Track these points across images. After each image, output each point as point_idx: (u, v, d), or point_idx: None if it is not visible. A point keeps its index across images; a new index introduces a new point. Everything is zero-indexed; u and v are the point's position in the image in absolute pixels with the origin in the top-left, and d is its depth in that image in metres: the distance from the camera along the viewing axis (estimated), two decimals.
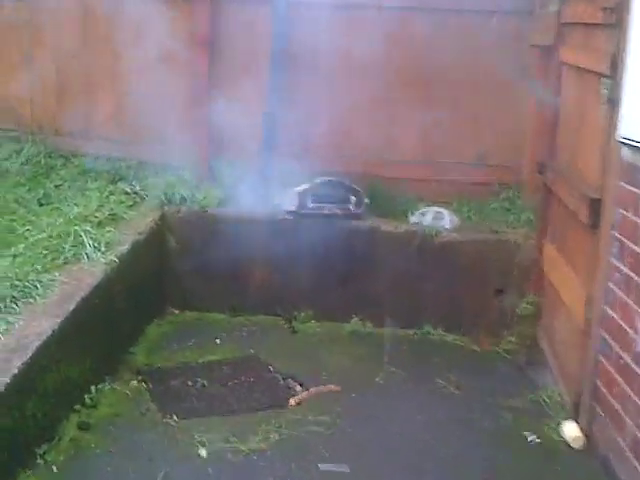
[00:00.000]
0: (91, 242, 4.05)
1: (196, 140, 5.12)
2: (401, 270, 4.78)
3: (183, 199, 4.89)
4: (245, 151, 5.08)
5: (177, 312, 4.90)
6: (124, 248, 4.20)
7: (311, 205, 4.78)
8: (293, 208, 4.77)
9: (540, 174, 4.51)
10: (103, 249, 4.07)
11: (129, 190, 4.95)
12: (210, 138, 5.15)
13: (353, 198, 4.85)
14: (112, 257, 4.02)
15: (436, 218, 4.90)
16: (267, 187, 4.97)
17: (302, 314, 4.88)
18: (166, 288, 4.86)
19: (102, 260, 3.98)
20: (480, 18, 4.98)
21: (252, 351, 4.43)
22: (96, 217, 4.43)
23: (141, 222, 4.62)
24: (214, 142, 5.17)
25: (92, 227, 4.25)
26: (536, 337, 4.52)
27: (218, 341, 4.54)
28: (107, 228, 4.34)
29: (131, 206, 4.80)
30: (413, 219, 4.94)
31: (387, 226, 4.83)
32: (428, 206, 5.00)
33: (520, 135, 5.08)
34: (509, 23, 4.97)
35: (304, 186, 4.81)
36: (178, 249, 4.84)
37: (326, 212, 4.79)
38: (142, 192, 4.95)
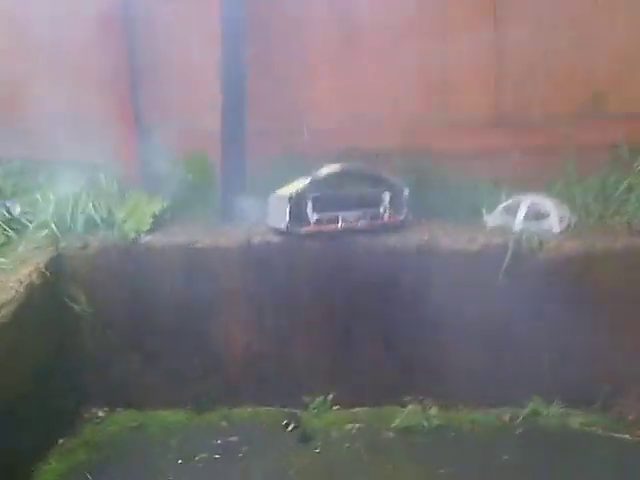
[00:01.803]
0: None
1: (117, 123, 3.05)
2: (482, 312, 2.71)
3: (93, 223, 2.83)
4: (197, 134, 3.01)
5: (102, 414, 2.87)
6: None
7: (314, 217, 2.70)
8: (283, 225, 2.70)
9: None
10: None
11: None
12: (140, 119, 3.08)
13: (386, 196, 2.77)
14: None
15: (534, 216, 2.81)
16: (235, 190, 2.91)
17: (317, 400, 2.85)
18: (78, 380, 2.83)
19: None
20: None
21: None
22: None
23: (14, 276, 2.57)
24: (147, 125, 3.09)
25: None
26: None
27: None
28: None
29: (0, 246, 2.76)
30: (492, 220, 2.85)
31: (450, 240, 2.75)
32: (516, 195, 2.91)
33: None
34: None
35: (300, 183, 2.73)
36: (91, 314, 2.78)
37: (341, 227, 2.71)
38: (23, 218, 2.88)
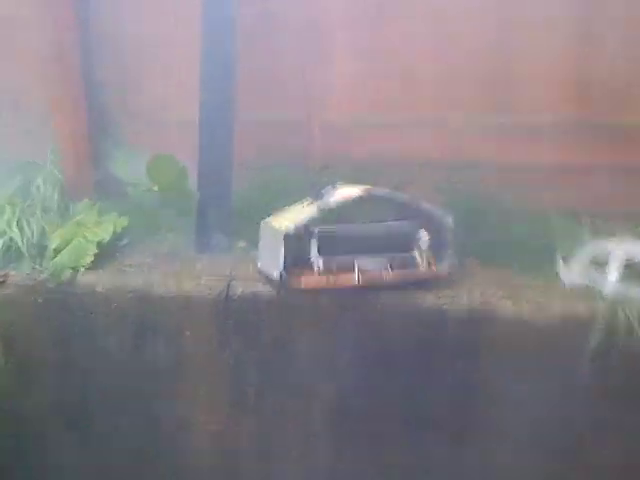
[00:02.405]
0: None
1: (64, 112, 2.25)
2: (552, 416, 1.91)
3: (17, 250, 2.05)
4: (167, 127, 2.21)
5: None
6: None
7: (320, 263, 1.88)
8: (275, 274, 1.88)
9: None
10: None
11: None
12: (93, 108, 2.28)
13: (424, 234, 1.94)
14: None
15: (636, 273, 1.97)
16: (216, 211, 2.10)
17: None
18: None
19: None
20: None
21: None
22: None
23: None
24: (103, 116, 2.29)
25: None
26: None
27: None
28: None
29: None
30: (571, 275, 2.02)
31: (513, 305, 1.92)
32: (606, 238, 2.08)
33: None
34: None
35: (302, 211, 1.92)
36: (4, 373, 2.01)
37: (359, 279, 1.89)
38: None
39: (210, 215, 2.10)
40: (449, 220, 1.95)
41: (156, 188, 2.15)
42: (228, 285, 1.94)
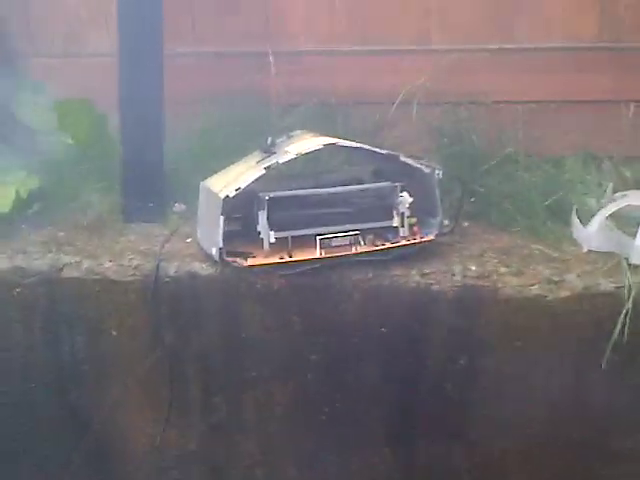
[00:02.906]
0: None
1: None
2: (572, 415, 1.53)
3: None
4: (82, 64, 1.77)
5: None
6: None
7: (271, 236, 1.46)
8: (213, 250, 1.47)
9: None
10: None
11: None
12: None
13: (405, 195, 1.51)
14: None
15: None
16: (147, 169, 1.67)
17: None
18: None
19: None
20: None
21: None
22: None
23: None
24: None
25: None
26: None
27: None
28: None
29: None
30: (590, 236, 1.61)
31: (516, 277, 1.51)
32: (634, 191, 1.67)
33: None
34: None
35: (249, 168, 1.49)
36: None
37: (321, 254, 1.46)
38: None
39: (137, 174, 1.67)
40: (438, 175, 1.53)
41: (70, 140, 1.71)
42: (158, 265, 1.53)
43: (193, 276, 1.52)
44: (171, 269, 1.53)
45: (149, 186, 1.68)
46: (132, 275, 1.54)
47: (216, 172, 1.59)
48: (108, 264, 1.55)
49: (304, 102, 1.85)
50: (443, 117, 1.84)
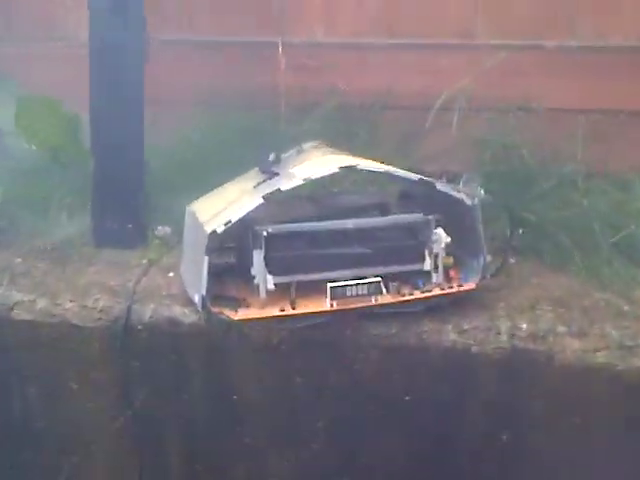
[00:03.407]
0: None
1: None
2: None
3: None
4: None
5: None
6: None
7: (270, 282, 1.14)
8: (196, 298, 1.16)
9: None
10: None
11: None
12: None
13: (441, 235, 1.19)
14: None
15: None
16: (123, 183, 1.37)
17: None
18: None
19: None
20: None
21: None
22: None
23: None
24: None
25: None
26: None
27: None
28: None
29: None
30: None
31: (578, 339, 1.20)
32: None
33: None
34: None
35: (246, 197, 1.18)
36: None
37: (331, 306, 1.15)
38: None
39: (111, 189, 1.37)
40: (478, 202, 1.21)
41: (34, 146, 1.41)
42: (129, 307, 1.23)
43: (173, 323, 1.22)
44: (146, 313, 1.23)
45: (126, 204, 1.38)
46: (97, 319, 1.24)
47: (209, 190, 1.29)
48: (69, 304, 1.25)
49: (320, 105, 1.53)
50: (488, 127, 1.52)
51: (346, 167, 1.12)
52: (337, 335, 1.19)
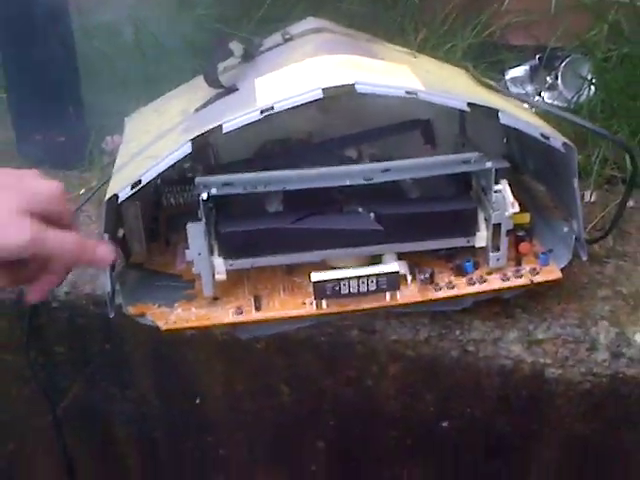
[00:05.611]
0: None
1: None
2: None
3: None
4: None
5: None
6: None
7: (221, 266, 0.71)
8: (107, 288, 0.74)
9: None
10: None
11: None
12: None
13: (505, 192, 0.71)
14: None
15: None
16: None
17: None
18: None
19: None
20: None
21: None
22: None
23: None
24: None
25: None
26: None
27: None
28: None
29: None
30: None
31: None
32: None
33: None
34: None
35: (172, 140, 0.72)
36: None
37: (318, 307, 0.72)
38: None
39: (30, 85, 0.93)
40: (573, 154, 0.70)
41: None
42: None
43: (99, 303, 0.83)
44: (64, 284, 0.84)
45: (57, 108, 0.95)
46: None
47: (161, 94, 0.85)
48: None
49: None
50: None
51: (352, 85, 0.63)
52: (336, 336, 0.77)
